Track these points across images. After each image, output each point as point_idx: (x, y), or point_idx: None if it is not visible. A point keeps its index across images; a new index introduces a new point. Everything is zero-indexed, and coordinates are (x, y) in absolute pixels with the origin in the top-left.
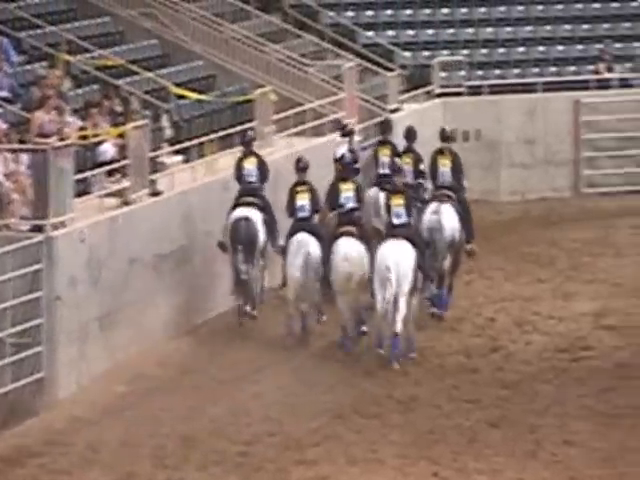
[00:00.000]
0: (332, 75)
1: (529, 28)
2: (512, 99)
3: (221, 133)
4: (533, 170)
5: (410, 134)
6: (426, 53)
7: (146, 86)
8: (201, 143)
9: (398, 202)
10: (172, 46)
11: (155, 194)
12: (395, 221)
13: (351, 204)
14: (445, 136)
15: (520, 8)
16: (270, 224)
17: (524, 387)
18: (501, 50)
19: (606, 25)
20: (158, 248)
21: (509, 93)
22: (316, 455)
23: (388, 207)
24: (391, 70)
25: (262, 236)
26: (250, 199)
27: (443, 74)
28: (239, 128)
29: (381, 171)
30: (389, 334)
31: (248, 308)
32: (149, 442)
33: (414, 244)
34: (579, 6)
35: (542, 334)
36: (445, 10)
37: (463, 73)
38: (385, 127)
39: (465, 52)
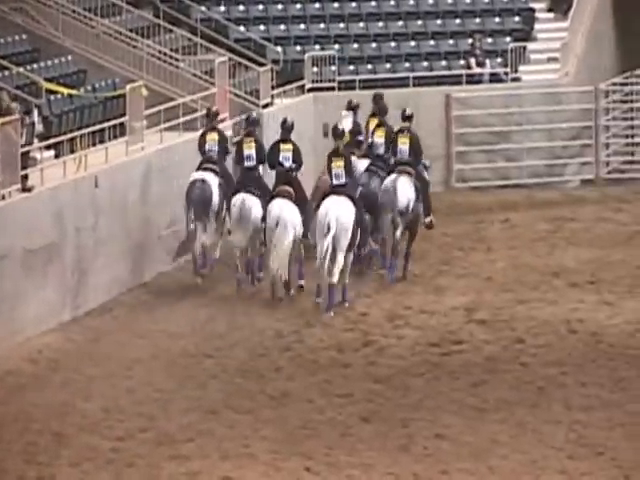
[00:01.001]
0: (204, 70)
1: (400, 23)
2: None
3: (92, 128)
4: None
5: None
6: (297, 48)
7: (17, 81)
8: (72, 138)
9: (338, 164)
10: (43, 41)
11: (26, 190)
12: (335, 182)
13: (288, 163)
14: (405, 116)
15: (391, 3)
16: (226, 190)
17: (396, 381)
18: (372, 45)
19: (477, 20)
20: (29, 244)
21: (380, 88)
22: (189, 451)
23: (330, 169)
24: (263, 65)
25: (216, 198)
26: (208, 165)
27: (314, 69)
28: (110, 123)
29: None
30: (326, 285)
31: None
32: (20, 438)
33: (354, 202)
34: (449, 1)
35: (414, 328)
36: (316, 5)
37: (334, 68)
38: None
39: (336, 47)
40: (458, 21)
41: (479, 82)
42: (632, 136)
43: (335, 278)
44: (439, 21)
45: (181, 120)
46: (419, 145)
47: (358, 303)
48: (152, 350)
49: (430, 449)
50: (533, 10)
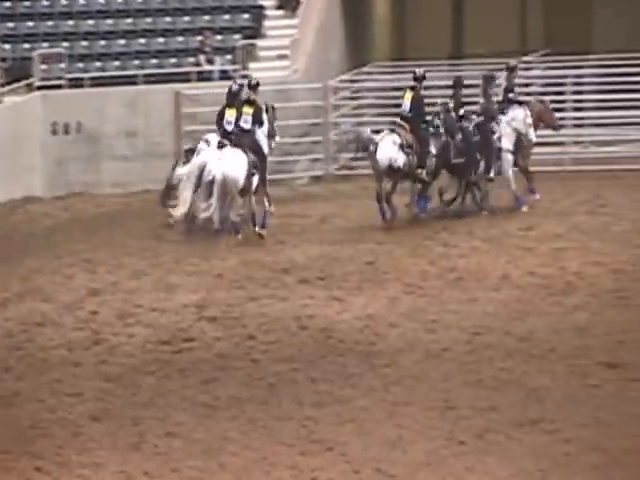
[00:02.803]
0: None
1: (129, 20)
2: (113, 91)
3: None
4: (134, 162)
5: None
6: (26, 45)
7: None
8: None
9: (247, 111)
10: None
11: None
12: (243, 126)
13: (230, 127)
14: (415, 77)
15: (120, 0)
16: None
17: (127, 380)
18: (102, 42)
19: (206, 17)
20: None
21: (110, 86)
22: None
23: (240, 114)
24: None
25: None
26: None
27: (43, 66)
28: None
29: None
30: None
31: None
32: None
33: (253, 151)
34: None
35: (145, 326)
36: (45, 2)
37: (63, 65)
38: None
39: (65, 44)
40: (187, 18)
41: (209, 79)
42: None
43: (234, 215)
44: (168, 18)
45: None
46: (421, 102)
47: (88, 302)
48: None
49: (161, 447)
50: (262, 7)
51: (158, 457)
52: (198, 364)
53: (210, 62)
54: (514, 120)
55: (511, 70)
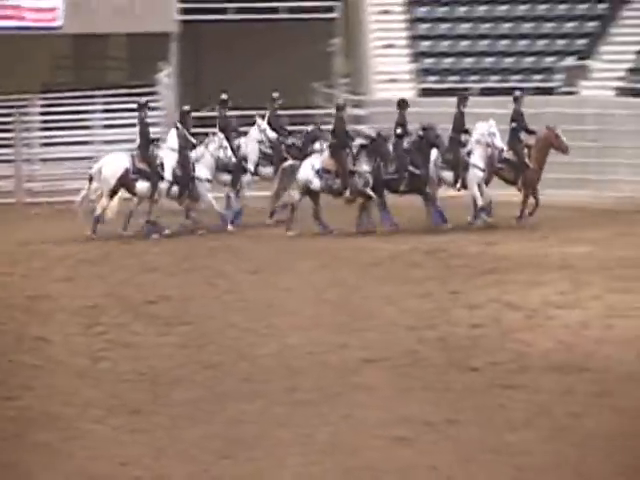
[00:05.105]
0: None
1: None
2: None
3: None
4: None
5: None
6: None
7: None
8: None
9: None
10: None
11: None
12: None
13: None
14: (337, 106)
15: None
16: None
17: None
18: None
19: None
20: None
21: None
22: None
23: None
24: None
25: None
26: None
27: None
28: None
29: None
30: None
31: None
32: None
33: (146, 160)
34: None
35: None
36: None
37: None
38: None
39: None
40: None
41: None
42: None
43: (97, 212)
44: None
45: None
46: (343, 128)
47: None
48: None
49: None
50: None
51: None
52: None
53: None
54: (479, 134)
55: (516, 100)
